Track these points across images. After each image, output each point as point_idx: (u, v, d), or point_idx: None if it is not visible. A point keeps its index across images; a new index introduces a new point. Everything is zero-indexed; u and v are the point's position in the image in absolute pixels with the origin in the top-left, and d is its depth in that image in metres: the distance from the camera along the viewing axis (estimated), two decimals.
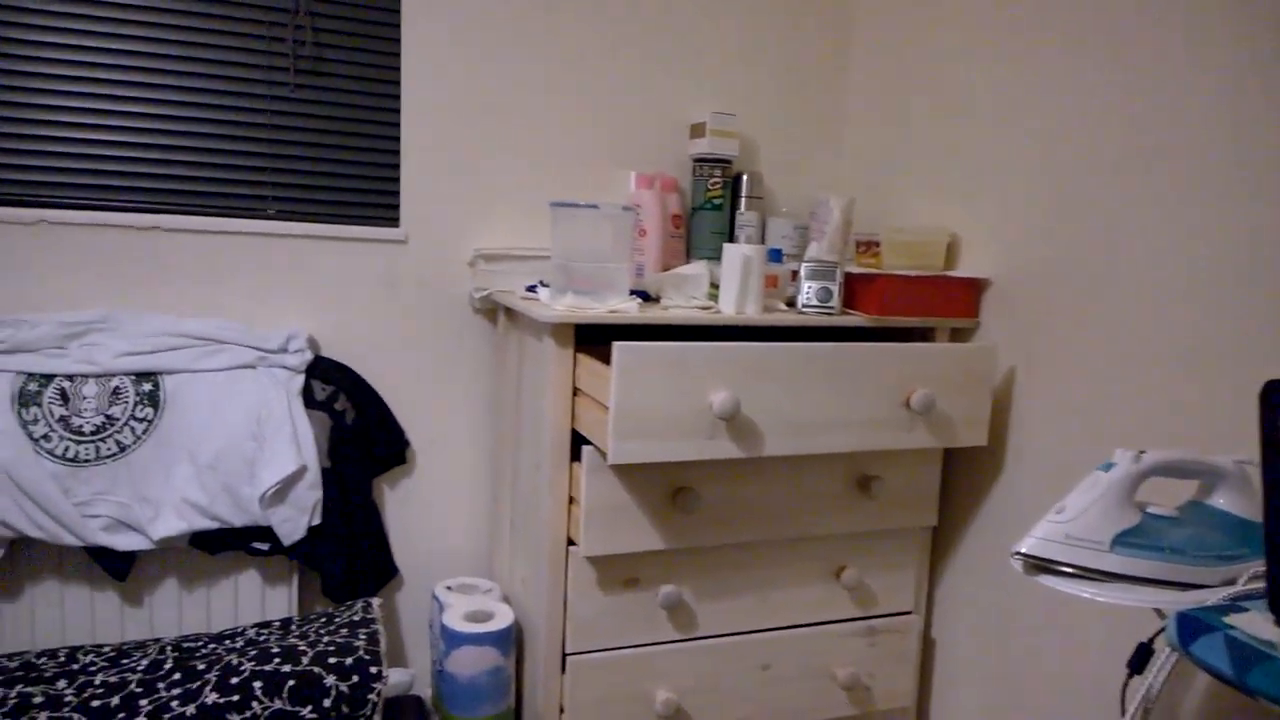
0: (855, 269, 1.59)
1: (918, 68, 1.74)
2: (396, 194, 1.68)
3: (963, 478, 1.61)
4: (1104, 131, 1.33)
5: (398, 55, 1.65)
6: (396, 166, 1.68)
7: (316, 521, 1.50)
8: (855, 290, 1.56)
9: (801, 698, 1.54)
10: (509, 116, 1.73)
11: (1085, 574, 0.95)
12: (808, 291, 1.52)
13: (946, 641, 1.65)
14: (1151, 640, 0.96)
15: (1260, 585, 0.89)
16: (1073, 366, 1.38)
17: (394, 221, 1.69)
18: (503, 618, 1.51)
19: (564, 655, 1.41)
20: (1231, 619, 0.79)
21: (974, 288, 1.56)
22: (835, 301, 1.51)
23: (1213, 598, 0.87)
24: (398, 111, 1.66)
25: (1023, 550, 0.96)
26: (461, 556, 1.80)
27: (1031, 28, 1.47)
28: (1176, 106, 1.22)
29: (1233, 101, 1.15)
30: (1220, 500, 1.01)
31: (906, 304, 1.51)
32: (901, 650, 1.59)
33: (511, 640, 1.51)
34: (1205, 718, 1.19)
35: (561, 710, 1.42)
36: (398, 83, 1.65)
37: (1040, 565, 0.95)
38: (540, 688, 1.42)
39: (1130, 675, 0.96)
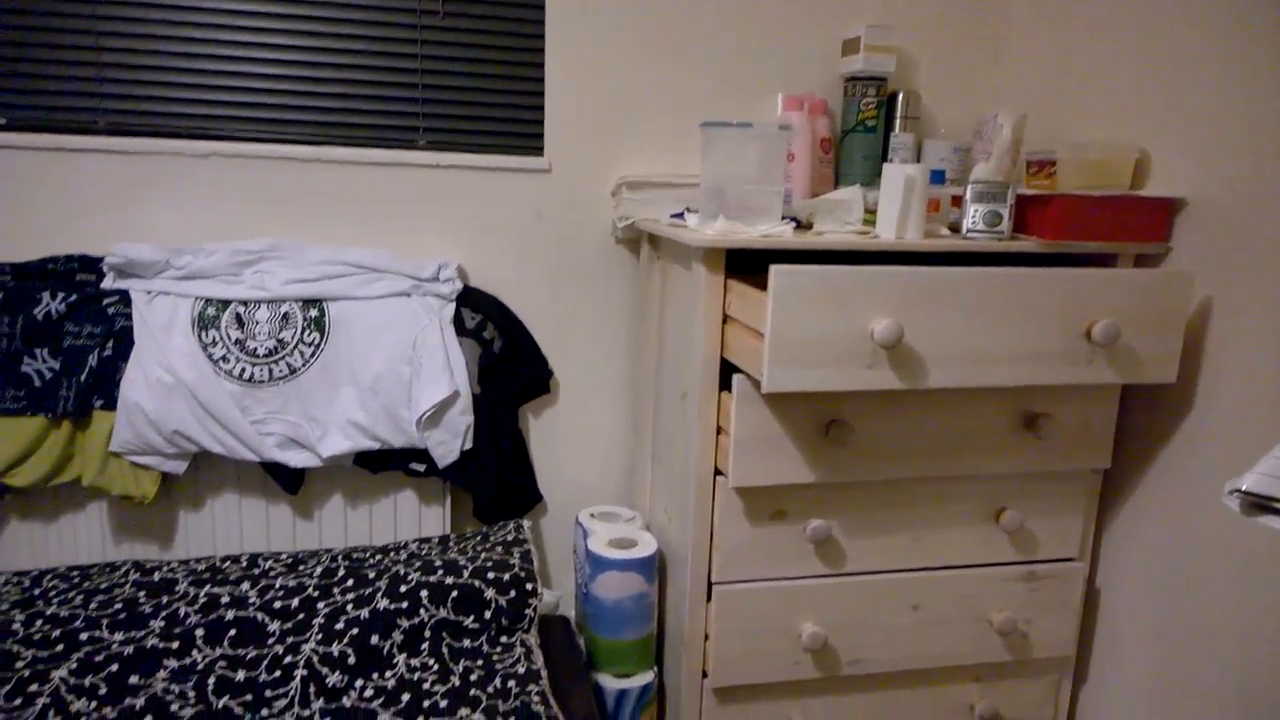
0: (1027, 191, 1.47)
1: None
2: (541, 123, 1.67)
3: (1141, 417, 1.49)
4: None
5: None
6: (541, 94, 1.66)
7: (468, 446, 1.54)
8: (1028, 214, 1.44)
9: (953, 640, 1.48)
10: (652, 41, 1.68)
11: None
12: (974, 215, 1.42)
13: (1112, 592, 1.55)
14: None
15: None
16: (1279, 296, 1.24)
17: (538, 151, 1.68)
18: (646, 545, 1.52)
19: (710, 584, 1.40)
20: None
21: (1165, 208, 1.41)
22: (1005, 225, 1.40)
23: None
24: (542, 38, 1.64)
25: (1243, 487, 0.87)
26: (600, 485, 1.82)
27: None
28: None
29: None
30: None
31: (1086, 227, 1.39)
32: (1063, 598, 1.51)
33: (655, 568, 1.52)
34: None
35: (707, 637, 1.42)
36: (542, 7, 1.63)
37: (1261, 503, 0.86)
38: (686, 614, 1.42)
39: None
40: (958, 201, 1.47)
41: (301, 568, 1.40)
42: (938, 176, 1.52)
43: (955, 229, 1.48)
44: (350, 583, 1.31)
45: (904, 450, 1.38)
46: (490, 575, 1.32)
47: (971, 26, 1.81)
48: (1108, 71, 1.56)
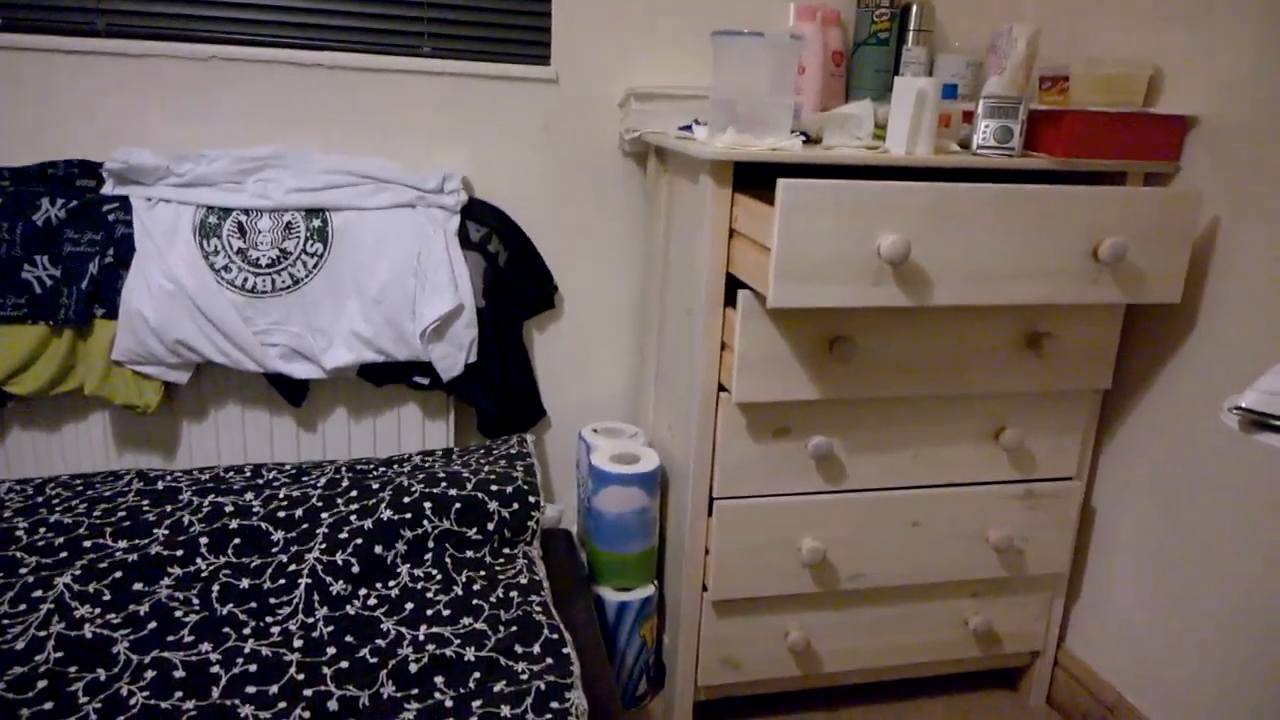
0: (1039, 106, 1.44)
1: None
2: (548, 30, 1.63)
3: (1143, 338, 1.49)
4: None
5: None
6: (548, 1, 1.61)
7: (473, 359, 1.54)
8: (1038, 130, 1.42)
9: (951, 557, 1.51)
10: None
11: None
12: (985, 130, 1.39)
13: (1107, 511, 1.57)
14: None
15: None
16: None
17: (545, 60, 1.64)
18: (649, 460, 1.53)
19: (711, 499, 1.42)
20: None
21: (1177, 127, 1.39)
22: (1016, 142, 1.38)
23: None
24: None
25: (1244, 404, 0.87)
26: (605, 402, 1.83)
27: None
28: None
29: None
30: None
31: (1097, 145, 1.37)
32: (1060, 516, 1.53)
33: (657, 483, 1.53)
34: None
35: (707, 551, 1.45)
36: None
37: (1261, 421, 0.87)
38: (687, 529, 1.45)
39: None
40: (970, 117, 1.44)
41: (305, 479, 1.41)
42: (950, 91, 1.49)
43: (966, 145, 1.45)
44: (354, 493, 1.33)
45: (907, 368, 1.38)
46: (493, 488, 1.33)
47: None
48: None
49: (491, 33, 1.62)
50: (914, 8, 1.65)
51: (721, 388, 1.39)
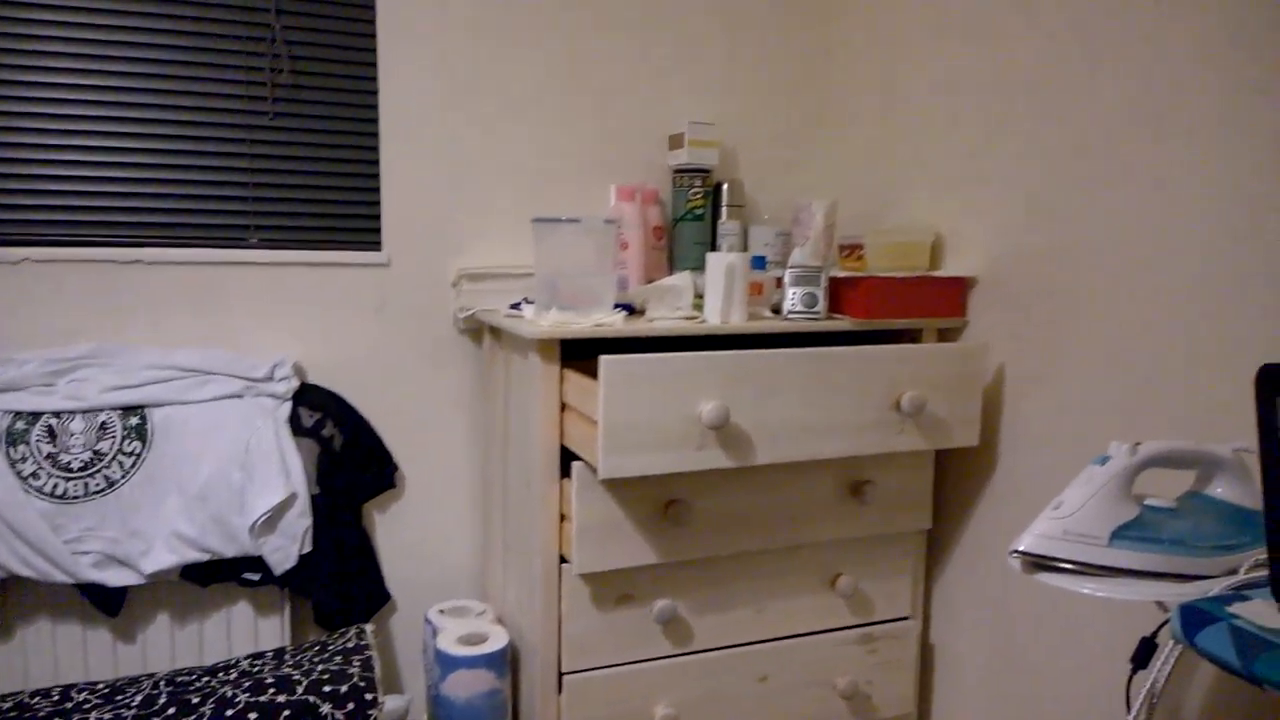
0: (840, 273, 1.59)
1: (899, 70, 1.74)
2: (378, 217, 1.68)
3: (956, 479, 1.60)
4: (1085, 125, 1.33)
5: (374, 79, 1.65)
6: (377, 190, 1.68)
7: (307, 549, 1.49)
8: (841, 294, 1.56)
9: (801, 708, 1.52)
10: (487, 135, 1.73)
11: (1085, 569, 0.94)
12: (793, 297, 1.51)
13: (946, 645, 1.63)
14: (1154, 634, 0.95)
15: (1262, 573, 0.88)
16: (1064, 361, 1.38)
17: (376, 245, 1.69)
18: (497, 639, 1.50)
19: (560, 675, 1.40)
20: (1235, 608, 0.78)
21: (960, 286, 1.56)
22: (821, 306, 1.50)
23: (1215, 588, 0.86)
24: (376, 135, 1.66)
25: (1021, 548, 0.95)
26: (455, 579, 1.79)
27: (1010, 25, 1.47)
28: (1164, 96, 1.23)
29: (1225, 89, 1.15)
30: (1219, 489, 1.00)
31: (893, 306, 1.51)
32: (900, 656, 1.58)
33: (507, 662, 1.49)
34: (1210, 711, 1.18)
35: None
36: (375, 106, 1.66)
37: (1039, 563, 0.94)
38: (537, 709, 1.41)
39: (1134, 670, 0.95)
40: (782, 283, 1.57)
41: (120, 698, 1.30)
42: (759, 262, 1.62)
43: (778, 310, 1.57)
44: (172, 711, 1.23)
45: (741, 524, 1.43)
46: (327, 689, 1.27)
47: (793, 121, 1.95)
48: (911, 165, 1.72)
49: (320, 221, 1.65)
50: (725, 186, 1.80)
51: (563, 559, 1.40)
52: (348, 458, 1.59)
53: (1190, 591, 0.88)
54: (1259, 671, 0.70)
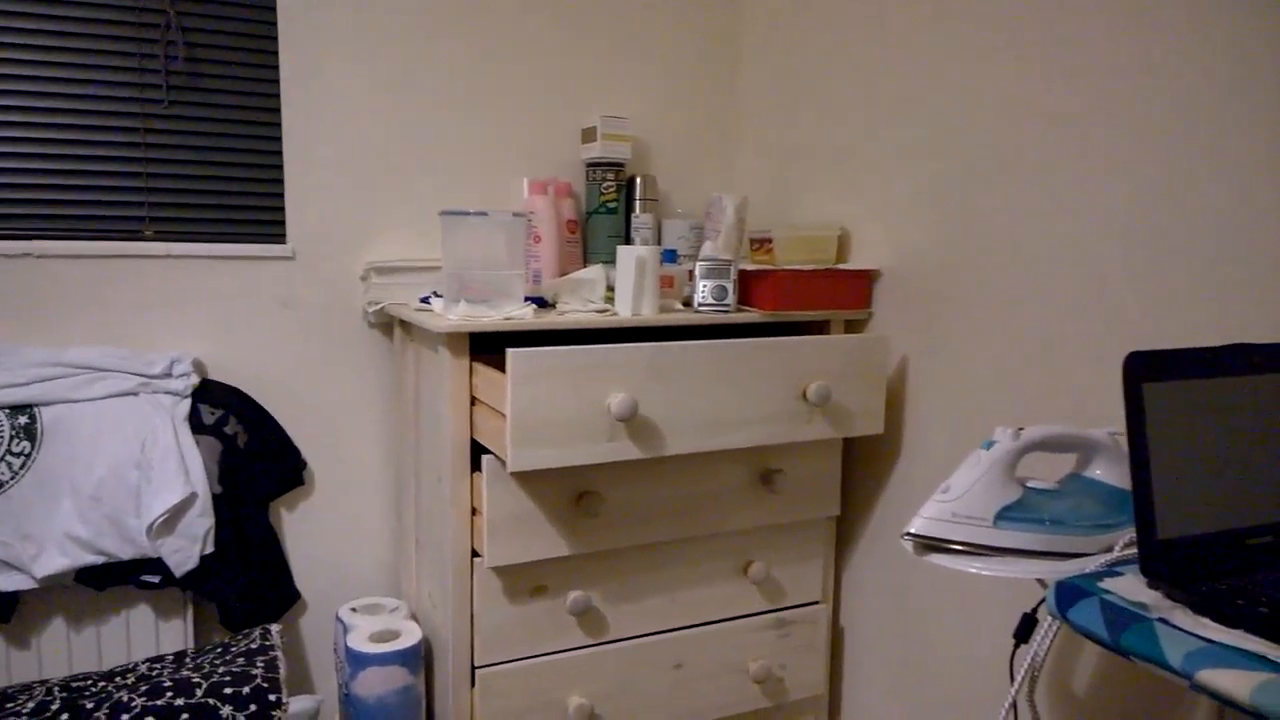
0: (749, 266, 1.61)
1: (806, 67, 1.78)
2: (281, 209, 1.64)
3: (863, 467, 1.64)
4: (982, 122, 1.38)
5: (276, 67, 1.61)
6: (280, 181, 1.63)
7: (209, 550, 1.44)
8: (750, 287, 1.58)
9: (715, 694, 1.55)
10: (397, 127, 1.70)
11: (972, 550, 0.97)
12: (703, 290, 1.53)
13: (854, 628, 1.68)
14: (1035, 610, 0.99)
15: (1134, 550, 0.93)
16: (960, 351, 1.43)
17: (280, 238, 1.64)
18: (410, 635, 1.48)
19: (473, 668, 1.39)
20: (1107, 584, 0.82)
21: (865, 279, 1.60)
22: (731, 299, 1.53)
23: (1091, 565, 0.90)
24: (278, 125, 1.62)
25: (912, 530, 0.98)
26: (368, 576, 1.76)
27: (916, 22, 1.51)
28: (1052, 97, 1.28)
29: (1112, 81, 1.21)
30: (1097, 471, 1.05)
31: (800, 298, 1.54)
32: (811, 640, 1.62)
33: (420, 658, 1.48)
34: (1093, 683, 1.24)
35: None
36: (277, 95, 1.61)
37: (930, 544, 0.98)
38: (450, 703, 1.40)
39: (1017, 645, 0.99)
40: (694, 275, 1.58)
41: (10, 705, 1.25)
42: (670, 255, 1.64)
43: (689, 303, 1.59)
44: (65, 718, 1.18)
45: (654, 515, 1.44)
46: (228, 691, 1.24)
47: (706, 116, 1.97)
48: (820, 160, 1.75)
49: (221, 213, 1.60)
50: (638, 180, 1.81)
51: (475, 553, 1.39)
52: (252, 455, 1.55)
53: (1068, 569, 0.93)
54: (1125, 643, 0.74)
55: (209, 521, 1.44)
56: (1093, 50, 1.19)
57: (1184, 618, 0.72)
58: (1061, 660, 1.28)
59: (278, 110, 1.62)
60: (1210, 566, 0.78)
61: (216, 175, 1.59)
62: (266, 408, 1.62)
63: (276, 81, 1.61)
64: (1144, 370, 0.80)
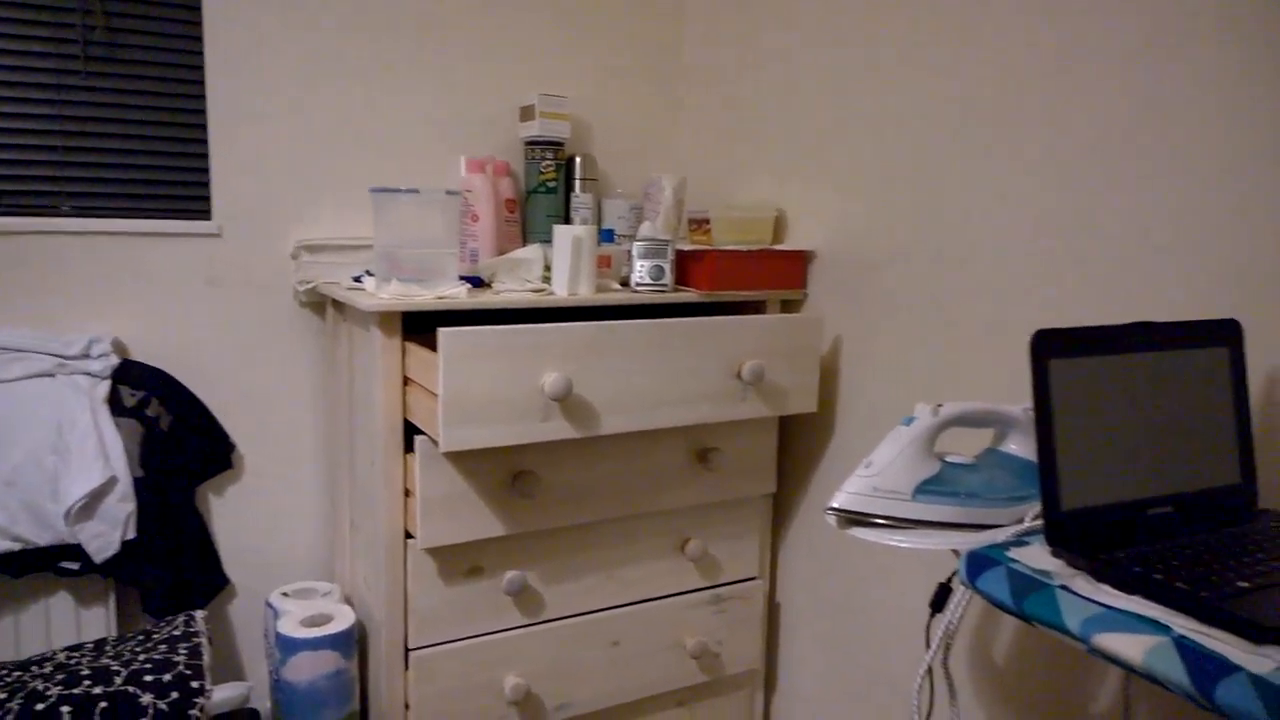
0: (687, 246, 1.61)
1: (747, 49, 1.78)
2: (206, 185, 1.59)
3: (798, 445, 1.67)
4: (912, 109, 1.40)
5: (200, 38, 1.56)
6: (205, 156, 1.59)
7: (131, 535, 1.41)
8: (687, 267, 1.58)
9: (652, 671, 1.56)
10: (330, 101, 1.66)
11: (892, 523, 0.99)
12: (640, 270, 1.53)
13: (789, 603, 1.71)
14: (949, 580, 1.02)
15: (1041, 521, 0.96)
16: (894, 331, 1.45)
17: (205, 214, 1.60)
18: (342, 619, 1.47)
19: (407, 651, 1.38)
20: (1014, 553, 0.84)
21: (800, 260, 1.61)
22: (668, 279, 1.53)
23: (1002, 536, 0.93)
24: (203, 98, 1.57)
25: (835, 505, 1.00)
26: (302, 560, 1.74)
27: (854, 8, 1.52)
28: (986, 85, 1.30)
29: (1039, 78, 1.23)
30: (1012, 446, 1.08)
31: (736, 278, 1.55)
32: (747, 615, 1.64)
33: (353, 641, 1.47)
34: (1011, 652, 1.28)
35: (407, 707, 1.39)
36: (201, 66, 1.56)
37: (852, 519, 1.00)
38: (384, 686, 1.39)
39: (933, 614, 1.02)
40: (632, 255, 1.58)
41: None
42: (607, 235, 1.63)
43: (626, 283, 1.58)
44: None
45: (590, 494, 1.44)
46: (148, 678, 1.21)
47: (646, 96, 1.96)
48: (758, 143, 1.76)
49: (142, 189, 1.55)
50: (578, 159, 1.80)
51: (409, 534, 1.38)
52: (176, 438, 1.52)
53: (981, 539, 0.95)
54: (1028, 609, 0.76)
55: (130, 506, 1.40)
56: (1024, 37, 1.21)
57: (1085, 585, 0.74)
58: (981, 629, 1.32)
59: (201, 82, 1.57)
60: (1112, 536, 0.81)
61: (137, 149, 1.54)
62: (193, 389, 1.58)
63: (200, 52, 1.56)
64: (1050, 347, 0.82)
